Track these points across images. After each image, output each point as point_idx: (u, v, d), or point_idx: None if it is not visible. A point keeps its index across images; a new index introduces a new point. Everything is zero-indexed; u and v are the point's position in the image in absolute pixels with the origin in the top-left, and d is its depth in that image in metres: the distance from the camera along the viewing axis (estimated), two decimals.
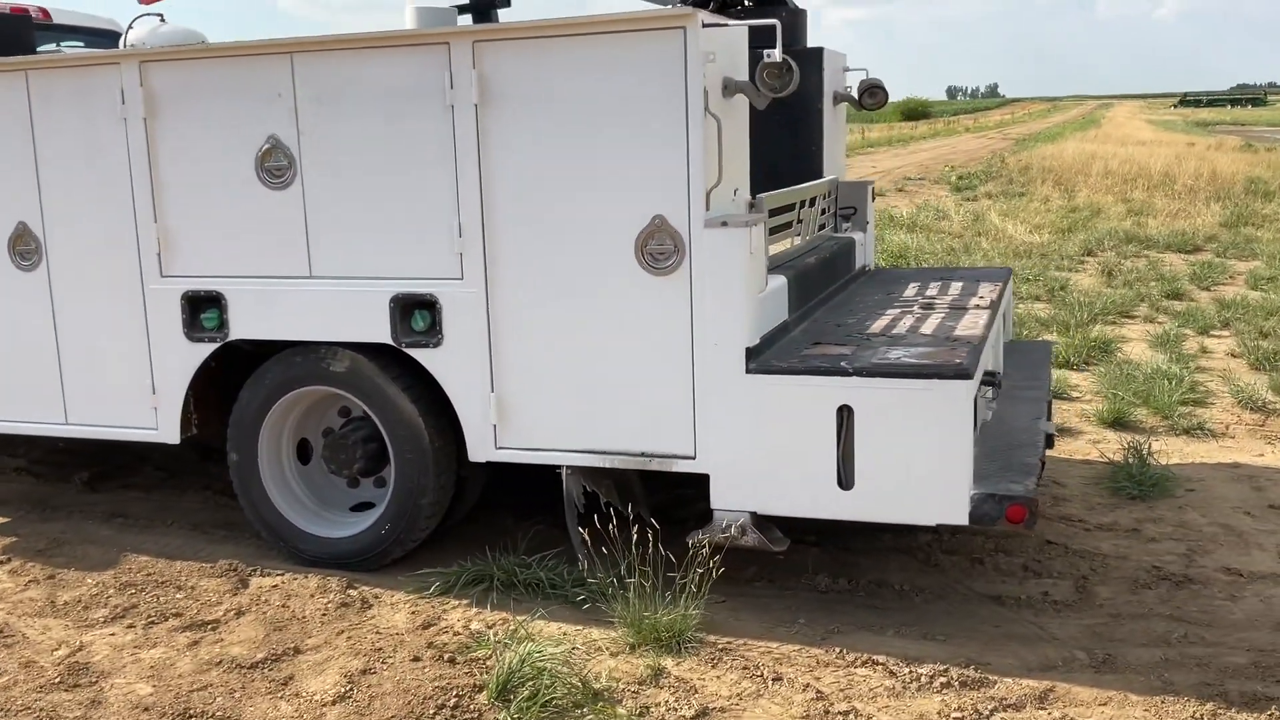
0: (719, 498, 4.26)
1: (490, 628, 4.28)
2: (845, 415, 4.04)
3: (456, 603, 4.51)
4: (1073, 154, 29.13)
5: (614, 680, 3.87)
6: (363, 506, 5.03)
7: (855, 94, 6.26)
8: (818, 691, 3.80)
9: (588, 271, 4.30)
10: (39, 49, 6.74)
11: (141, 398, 5.01)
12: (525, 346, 4.44)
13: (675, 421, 4.29)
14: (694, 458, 4.29)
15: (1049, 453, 6.25)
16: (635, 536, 4.24)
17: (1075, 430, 6.81)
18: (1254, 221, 16.51)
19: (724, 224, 4.11)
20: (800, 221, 5.27)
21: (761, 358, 4.21)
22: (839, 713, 3.67)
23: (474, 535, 5.08)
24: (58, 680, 4.00)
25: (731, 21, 4.25)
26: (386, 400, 4.67)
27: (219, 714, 3.75)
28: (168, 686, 3.93)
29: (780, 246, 5.10)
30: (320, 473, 5.08)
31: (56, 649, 4.25)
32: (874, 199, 6.54)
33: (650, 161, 4.15)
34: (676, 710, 3.70)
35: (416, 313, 4.55)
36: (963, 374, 3.91)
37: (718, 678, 3.91)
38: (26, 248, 5.11)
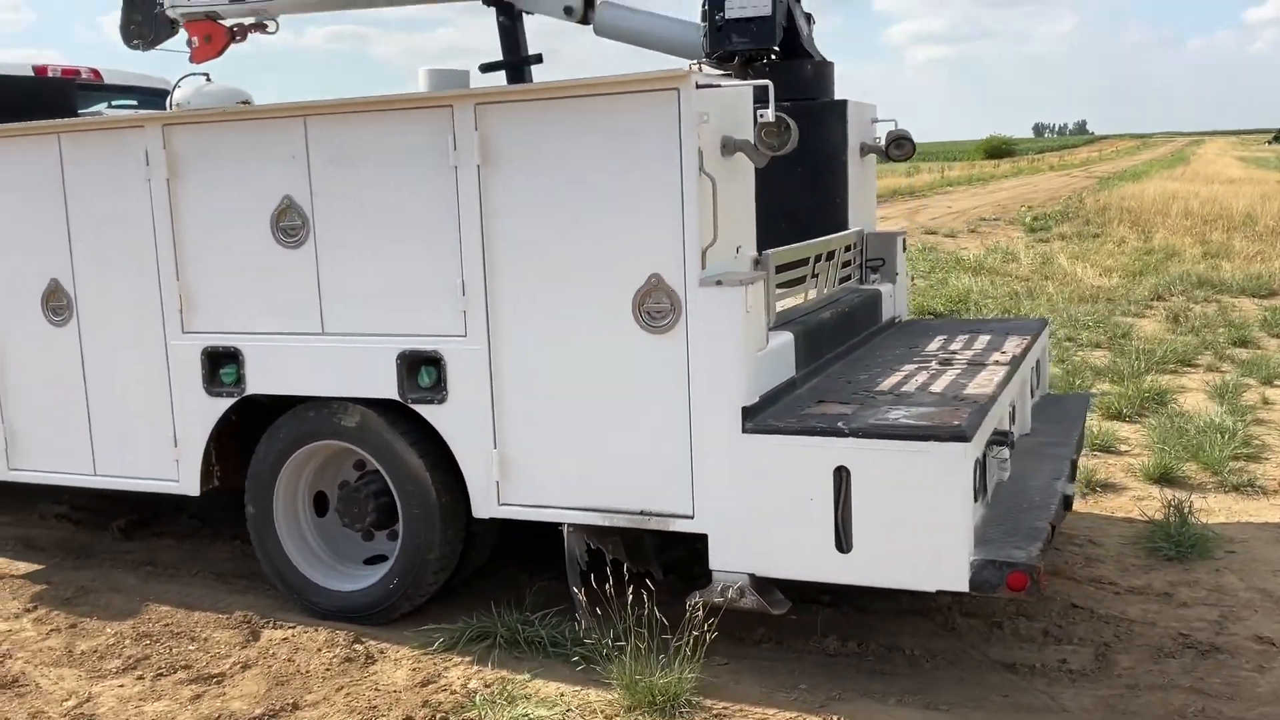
0: (717, 558, 4.21)
1: (488, 686, 4.27)
2: (843, 476, 3.97)
3: (459, 660, 4.51)
4: (1153, 193, 28.50)
5: None
6: (377, 559, 5.07)
7: (883, 145, 6.21)
8: None
9: (587, 329, 4.31)
10: (91, 109, 7.03)
11: (164, 450, 5.13)
12: (527, 403, 4.45)
13: (673, 480, 4.26)
14: (692, 517, 4.25)
15: (1087, 509, 6.12)
16: (631, 597, 4.20)
17: (1119, 486, 6.60)
18: None
19: (718, 283, 4.08)
20: (815, 276, 5.21)
21: (759, 417, 4.16)
22: None
23: (486, 588, 5.08)
24: None
25: (726, 82, 4.25)
26: (394, 455, 4.71)
27: None
28: None
29: (794, 301, 5.06)
30: (336, 525, 5.13)
31: (66, 699, 4.34)
32: (905, 250, 6.45)
33: (646, 220, 4.16)
34: None
35: (422, 369, 4.60)
36: (960, 436, 3.82)
37: None
38: (59, 303, 5.28)
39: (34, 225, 5.27)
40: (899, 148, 6.17)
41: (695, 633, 4.06)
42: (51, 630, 4.97)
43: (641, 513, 4.33)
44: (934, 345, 5.59)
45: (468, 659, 4.50)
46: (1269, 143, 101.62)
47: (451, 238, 4.45)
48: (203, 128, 4.90)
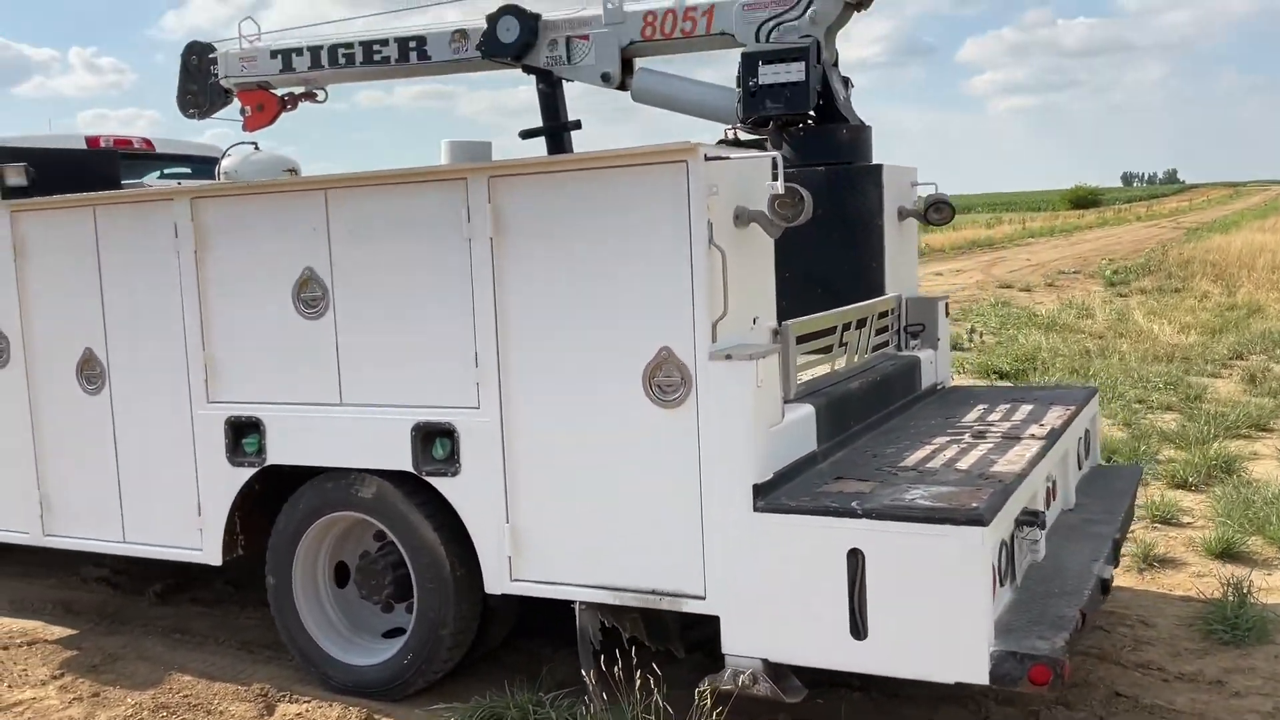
0: (729, 642, 4.06)
1: None
2: (858, 559, 3.82)
3: None
4: (1240, 245, 27.67)
5: None
6: (396, 633, 5.01)
7: (922, 209, 6.08)
8: None
9: (598, 402, 4.23)
10: (144, 178, 7.20)
11: (189, 519, 5.15)
12: (539, 477, 4.38)
13: (685, 559, 4.13)
14: (704, 598, 4.12)
15: (1143, 585, 5.81)
16: (639, 681, 4.07)
17: (1178, 561, 6.29)
18: None
19: (728, 357, 3.98)
20: (843, 345, 5.08)
21: (772, 494, 4.02)
22: None
23: (504, 662, 4.99)
24: None
25: (735, 154, 4.17)
26: (410, 528, 4.66)
27: None
28: None
29: (820, 370, 4.93)
30: (356, 596, 5.09)
31: None
32: (947, 315, 6.29)
33: (656, 293, 4.08)
34: None
35: (437, 441, 4.55)
36: (977, 520, 3.64)
37: None
38: (93, 372, 5.36)
39: (71, 294, 5.37)
40: (938, 212, 6.03)
41: None
42: (74, 699, 4.99)
43: (653, 592, 4.21)
44: (972, 415, 5.40)
45: None
46: None
47: (465, 309, 4.42)
48: (229, 201, 4.96)
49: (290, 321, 4.81)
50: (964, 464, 4.39)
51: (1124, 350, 13.48)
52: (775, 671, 4.03)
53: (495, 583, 4.50)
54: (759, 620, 4.00)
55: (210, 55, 7.70)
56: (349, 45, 7.32)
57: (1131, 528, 6.69)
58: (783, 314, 4.70)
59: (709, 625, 4.54)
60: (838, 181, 5.84)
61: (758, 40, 6.02)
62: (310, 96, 7.85)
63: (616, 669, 4.14)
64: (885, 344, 5.73)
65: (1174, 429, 9.12)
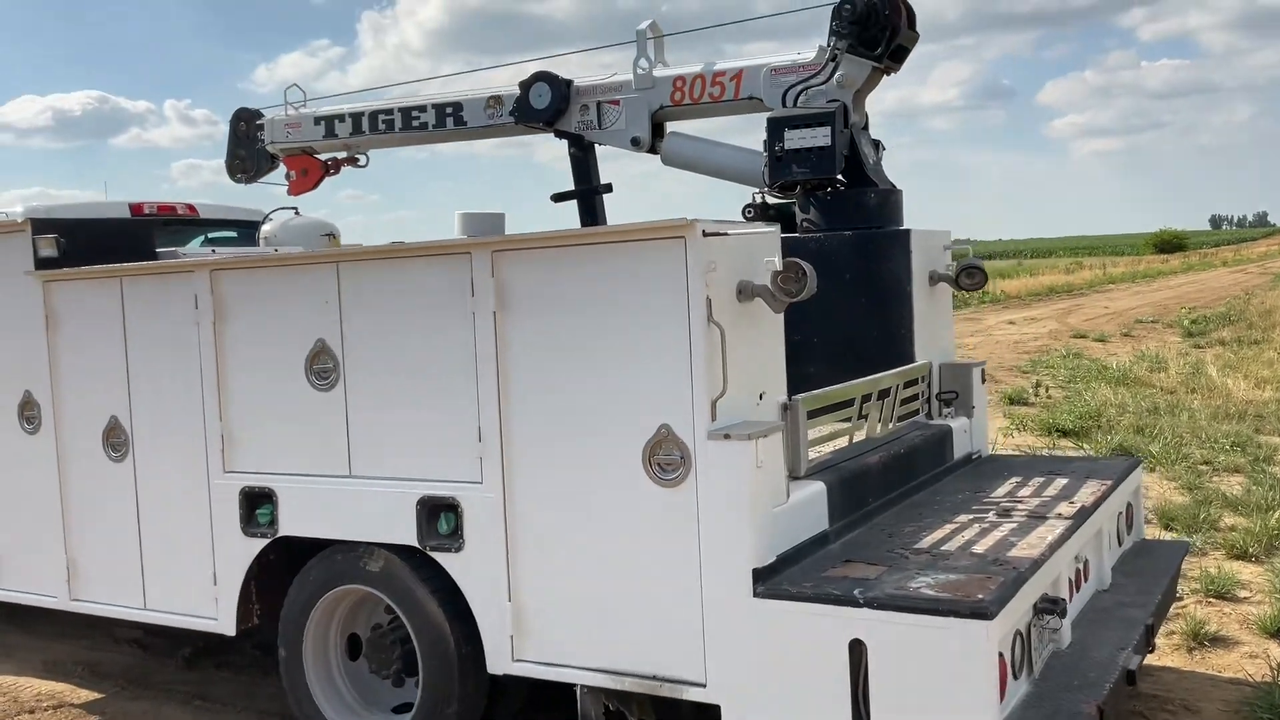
0: None
1: None
2: (859, 650, 3.67)
3: None
4: None
5: None
6: (405, 708, 4.94)
7: (954, 274, 5.93)
8: None
9: (599, 479, 4.15)
10: (189, 244, 7.33)
11: (205, 588, 5.16)
12: (541, 555, 4.30)
13: (685, 644, 4.02)
14: (704, 685, 3.99)
15: (1191, 666, 5.50)
16: None
17: (1231, 640, 5.99)
18: None
19: (726, 436, 3.88)
20: (863, 416, 4.94)
21: (774, 579, 3.90)
22: None
23: None
24: None
25: (734, 229, 4.09)
26: (416, 603, 4.61)
27: None
28: None
29: (840, 443, 4.79)
30: (367, 669, 5.04)
31: None
32: (984, 381, 6.10)
33: (656, 369, 4.01)
34: None
35: (442, 516, 4.50)
36: (981, 613, 3.47)
37: None
38: (118, 440, 5.43)
39: (98, 363, 5.46)
40: (969, 277, 5.87)
41: None
42: None
43: (654, 677, 4.10)
44: (1002, 490, 5.21)
45: None
46: None
47: (469, 383, 4.39)
48: (246, 273, 5.01)
49: (303, 392, 4.82)
50: (981, 546, 4.22)
51: (1194, 407, 13.03)
52: None
53: (498, 663, 4.42)
54: (761, 710, 3.86)
55: (258, 121, 7.86)
56: (389, 112, 7.41)
57: (1183, 603, 6.41)
58: (810, 381, 4.59)
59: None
60: (865, 246, 5.73)
61: (785, 104, 5.95)
62: (352, 161, 7.95)
63: None
64: (914, 413, 5.57)
65: (1238, 494, 8.74)
